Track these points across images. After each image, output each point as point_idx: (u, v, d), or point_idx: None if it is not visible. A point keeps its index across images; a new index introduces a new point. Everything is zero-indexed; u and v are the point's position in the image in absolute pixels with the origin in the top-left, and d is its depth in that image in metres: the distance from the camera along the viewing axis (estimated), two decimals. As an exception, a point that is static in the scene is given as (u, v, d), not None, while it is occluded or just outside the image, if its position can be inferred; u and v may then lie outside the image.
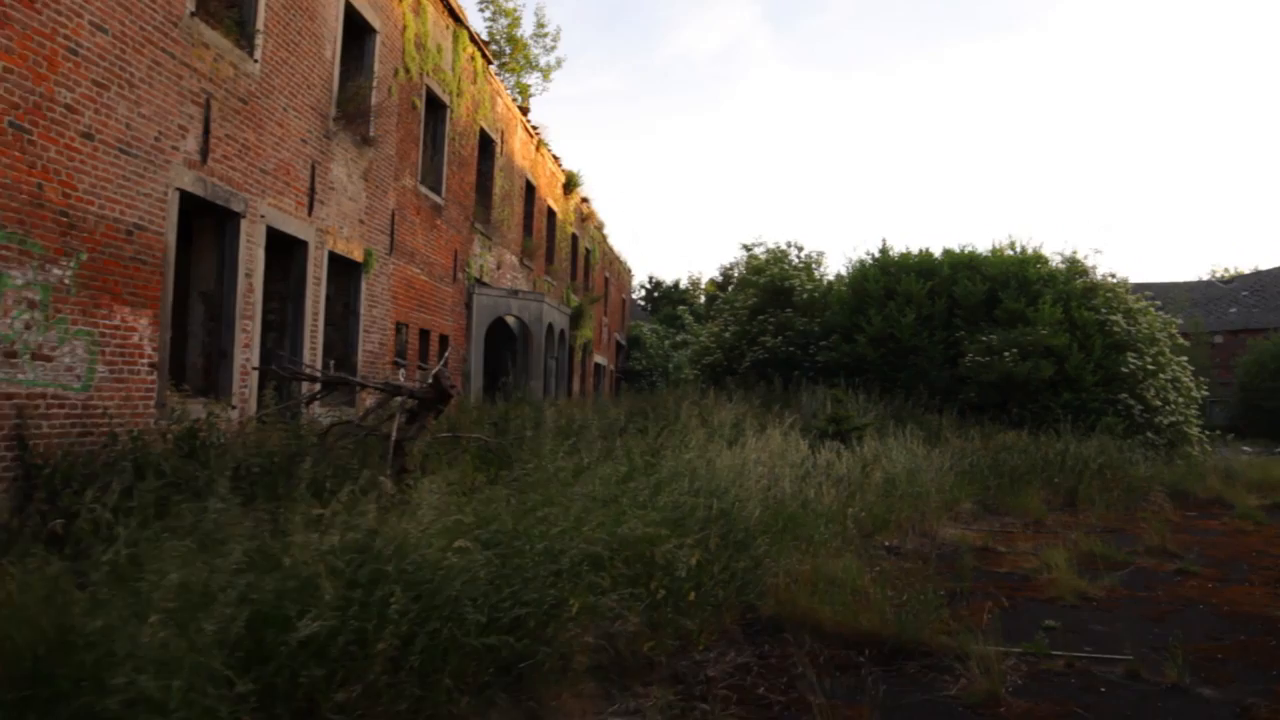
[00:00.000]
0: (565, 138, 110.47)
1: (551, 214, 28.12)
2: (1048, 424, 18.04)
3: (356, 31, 13.89)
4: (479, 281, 20.04)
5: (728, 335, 24.62)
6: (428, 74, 16.52)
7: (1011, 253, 23.03)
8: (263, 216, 11.11)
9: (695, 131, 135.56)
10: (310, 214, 12.34)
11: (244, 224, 10.70)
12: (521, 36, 30.21)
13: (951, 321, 21.63)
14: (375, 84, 14.24)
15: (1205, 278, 59.79)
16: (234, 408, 10.41)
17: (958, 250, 23.51)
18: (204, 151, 9.82)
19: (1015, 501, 13.45)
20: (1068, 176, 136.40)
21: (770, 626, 6.33)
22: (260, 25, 10.91)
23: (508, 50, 29.87)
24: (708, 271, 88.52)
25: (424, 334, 16.80)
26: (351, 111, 13.27)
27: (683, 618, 5.36)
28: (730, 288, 27.38)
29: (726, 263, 68.26)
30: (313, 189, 12.34)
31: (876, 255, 24.38)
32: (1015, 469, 14.51)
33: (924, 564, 9.30)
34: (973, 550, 9.99)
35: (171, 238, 9.28)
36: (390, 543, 4.25)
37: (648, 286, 70.71)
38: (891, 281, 22.64)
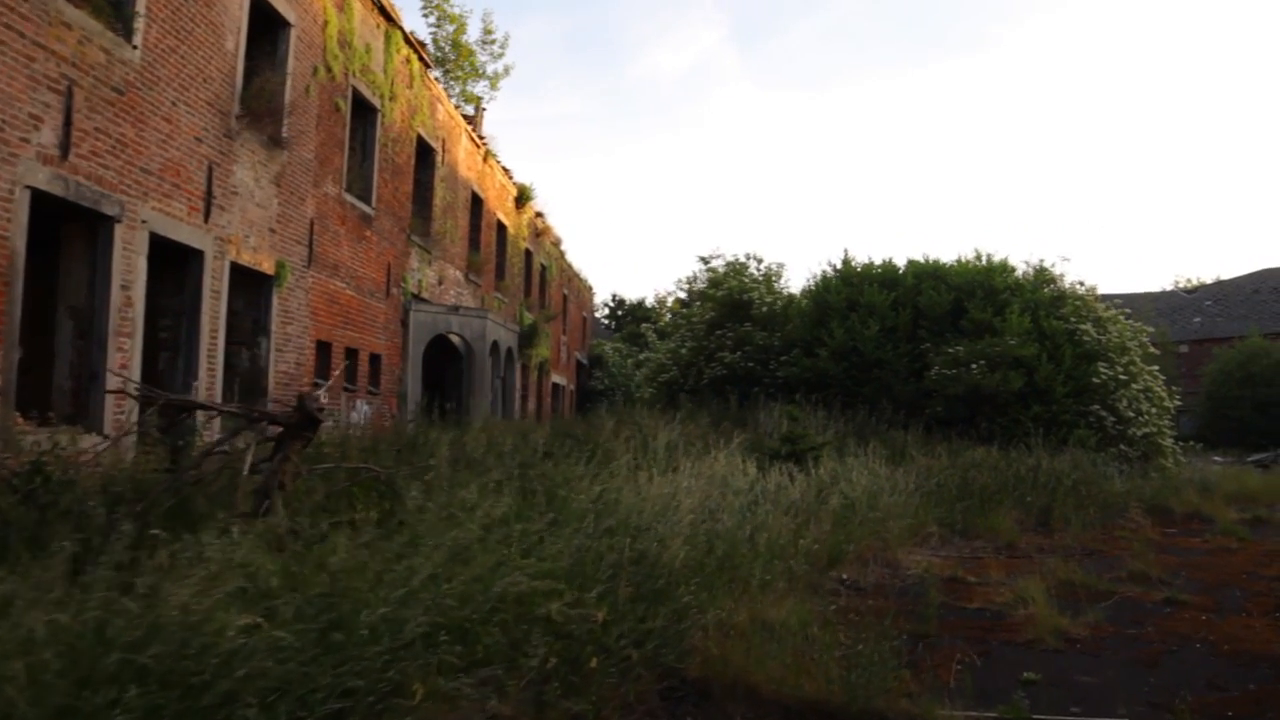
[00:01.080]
0: (533, 160, 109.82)
1: (502, 228, 27.04)
2: (1018, 438, 17.15)
3: (267, 24, 12.76)
4: (416, 297, 18.87)
5: (684, 351, 23.60)
6: (354, 74, 15.41)
7: (977, 262, 22.27)
8: (144, 222, 9.91)
9: (664, 151, 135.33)
10: (207, 220, 11.14)
11: (119, 230, 9.50)
12: (467, 43, 29.17)
13: (916, 333, 20.76)
14: (289, 82, 13.11)
15: (1168, 288, 59.86)
16: (106, 437, 9.15)
17: (922, 260, 22.73)
18: (65, 146, 8.63)
19: (986, 523, 12.48)
20: (1030, 190, 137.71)
21: (696, 693, 5.22)
22: (141, 8, 9.75)
23: (453, 57, 28.76)
24: (675, 290, 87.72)
25: (351, 353, 15.59)
26: (259, 110, 12.12)
27: (572, 697, 4.24)
28: (697, 304, 26.39)
29: (684, 276, 67.49)
30: (210, 193, 11.15)
31: (838, 267, 23.54)
32: (985, 488, 13.55)
33: (885, 600, 8.26)
34: (940, 582, 8.96)
35: (20, 243, 8.07)
36: (140, 622, 3.10)
37: (611, 305, 69.70)
38: (854, 293, 21.76)
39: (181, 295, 11.06)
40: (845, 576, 9.25)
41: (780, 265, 24.41)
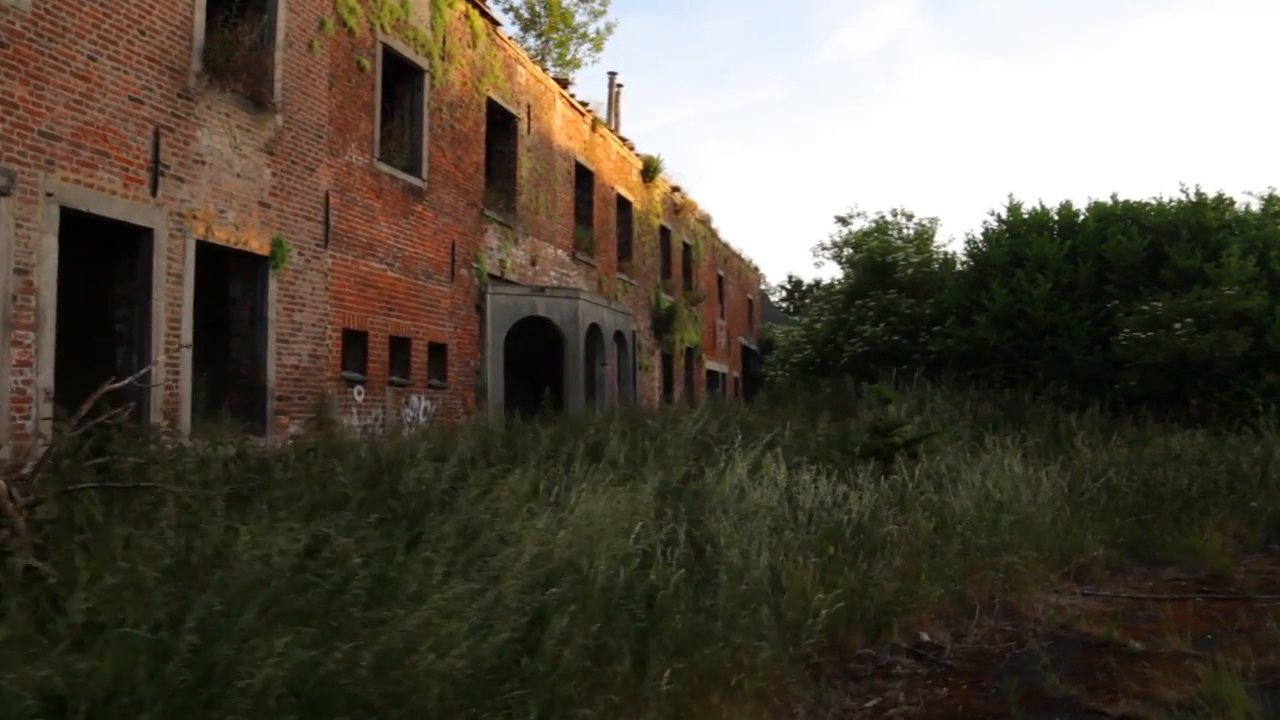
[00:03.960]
0: (725, 149, 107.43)
1: (624, 204, 24.74)
2: (1242, 419, 12.90)
3: (248, -32, 11.08)
4: (495, 278, 16.92)
5: (819, 327, 20.42)
6: (383, 29, 13.55)
7: (1182, 200, 17.62)
8: (51, 195, 8.32)
9: (860, 131, 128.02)
10: (155, 193, 9.51)
11: (7, 203, 7.93)
12: (563, 3, 27.03)
13: (1101, 290, 16.58)
14: (283, 37, 11.38)
15: None
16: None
17: (1109, 202, 18.33)
18: (-97, 102, 7.09)
19: (1182, 542, 8.82)
20: (1259, 140, 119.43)
21: None
22: (32, -58, 8.15)
23: (545, 18, 26.74)
24: (819, 259, 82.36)
25: (399, 343, 13.77)
26: (231, 67, 10.40)
27: None
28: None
29: (821, 241, 63.69)
30: (157, 161, 9.51)
31: (1003, 216, 19.50)
32: (1182, 491, 9.78)
33: (969, 689, 5.21)
34: (1078, 650, 5.76)
35: None
36: None
37: (788, 287, 66.03)
38: (1020, 245, 17.77)
39: (133, 280, 9.50)
40: (926, 636, 6.21)
41: (933, 221, 20.68)
